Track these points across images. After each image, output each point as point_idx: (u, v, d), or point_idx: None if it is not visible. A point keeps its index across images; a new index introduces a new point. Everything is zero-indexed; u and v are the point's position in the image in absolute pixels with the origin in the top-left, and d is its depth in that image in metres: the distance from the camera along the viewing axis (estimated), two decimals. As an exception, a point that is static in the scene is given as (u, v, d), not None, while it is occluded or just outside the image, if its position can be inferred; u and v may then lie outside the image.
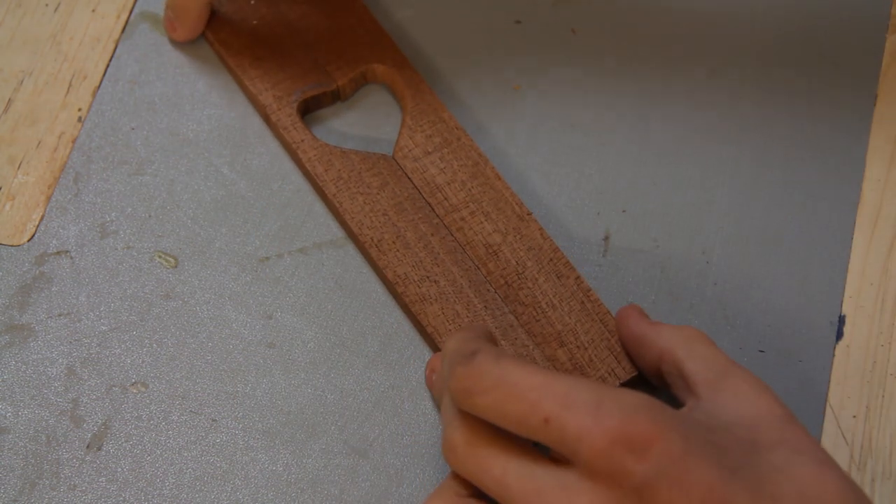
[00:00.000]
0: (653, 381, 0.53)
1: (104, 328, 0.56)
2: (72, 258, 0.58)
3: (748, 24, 0.64)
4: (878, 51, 0.63)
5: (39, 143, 0.61)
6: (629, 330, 0.53)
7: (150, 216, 0.59)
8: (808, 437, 0.46)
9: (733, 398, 0.47)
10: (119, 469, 0.53)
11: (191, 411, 0.54)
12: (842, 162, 0.60)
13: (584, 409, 0.44)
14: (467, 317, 0.55)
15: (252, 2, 0.63)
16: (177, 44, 0.63)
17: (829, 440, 0.54)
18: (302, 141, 0.59)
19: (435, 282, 0.56)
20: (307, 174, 0.59)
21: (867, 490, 0.53)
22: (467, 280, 0.56)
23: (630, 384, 0.53)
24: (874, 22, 0.64)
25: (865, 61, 0.63)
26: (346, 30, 0.62)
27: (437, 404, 0.54)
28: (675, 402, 0.50)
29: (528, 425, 0.45)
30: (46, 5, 0.64)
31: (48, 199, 0.59)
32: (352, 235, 0.58)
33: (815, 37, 0.63)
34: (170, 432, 0.54)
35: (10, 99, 0.62)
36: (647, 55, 0.63)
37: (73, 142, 0.61)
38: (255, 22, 0.62)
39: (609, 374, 0.53)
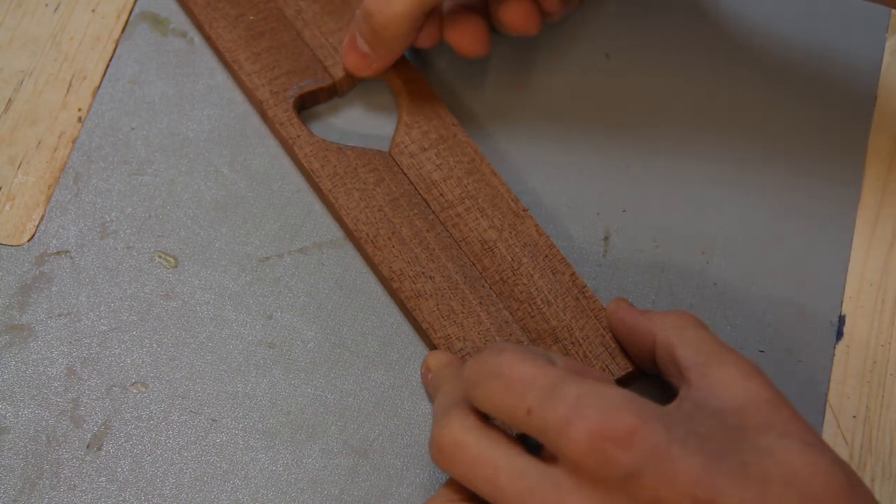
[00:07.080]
0: (649, 370, 0.53)
1: (104, 328, 0.56)
2: (72, 258, 0.58)
3: (749, 26, 0.64)
4: (878, 51, 0.63)
5: (39, 143, 0.61)
6: (621, 321, 0.53)
7: (150, 216, 0.59)
8: (796, 420, 0.46)
9: (722, 383, 0.47)
10: (119, 469, 0.53)
11: (191, 411, 0.54)
12: (842, 162, 0.60)
13: (566, 402, 0.44)
14: (462, 313, 0.55)
15: None
16: (176, 43, 0.63)
17: (829, 440, 0.54)
18: (298, 137, 0.59)
19: (430, 278, 0.56)
20: (303, 170, 0.59)
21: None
22: (463, 276, 0.56)
23: (626, 380, 0.53)
24: (874, 22, 0.64)
25: (865, 62, 0.63)
26: (343, 25, 0.62)
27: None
28: (672, 392, 0.50)
29: (514, 416, 0.45)
30: (46, 5, 0.64)
31: (48, 199, 0.59)
32: (347, 231, 0.58)
33: (816, 37, 0.63)
34: (170, 432, 0.54)
35: (10, 99, 0.62)
36: (648, 56, 0.63)
37: (73, 142, 0.61)
38: (251, 17, 0.62)
39: (604, 370, 0.53)
